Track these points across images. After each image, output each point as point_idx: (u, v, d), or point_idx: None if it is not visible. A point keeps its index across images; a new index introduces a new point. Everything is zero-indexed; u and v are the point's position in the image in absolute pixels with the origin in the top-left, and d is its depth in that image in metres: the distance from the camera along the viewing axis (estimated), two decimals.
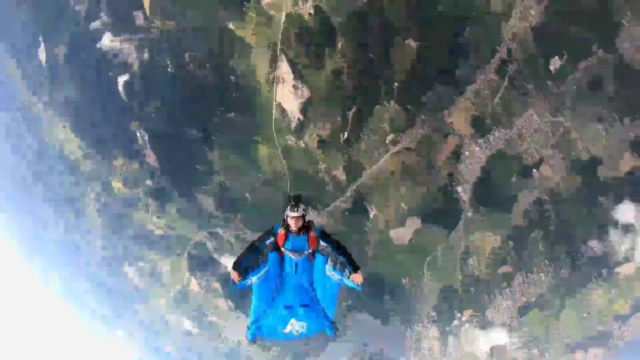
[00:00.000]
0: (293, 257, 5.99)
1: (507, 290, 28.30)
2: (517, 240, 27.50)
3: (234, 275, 5.86)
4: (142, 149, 28.47)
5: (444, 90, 24.16)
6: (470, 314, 29.20)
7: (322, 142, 23.56)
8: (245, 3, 22.81)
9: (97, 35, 27.37)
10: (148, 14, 25.30)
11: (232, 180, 27.28)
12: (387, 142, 24.94)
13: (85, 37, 27.46)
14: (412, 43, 23.34)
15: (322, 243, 6.08)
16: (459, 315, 29.03)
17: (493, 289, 28.37)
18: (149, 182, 28.75)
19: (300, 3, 22.74)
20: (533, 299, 28.18)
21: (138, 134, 28.22)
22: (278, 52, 23.46)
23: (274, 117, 25.00)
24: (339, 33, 22.90)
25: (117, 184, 30.45)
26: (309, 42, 22.71)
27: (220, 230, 28.32)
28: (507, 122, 25.16)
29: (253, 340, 6.06)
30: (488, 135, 25.06)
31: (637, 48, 22.95)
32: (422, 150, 25.03)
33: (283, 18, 22.92)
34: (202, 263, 29.72)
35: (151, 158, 28.46)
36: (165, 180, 28.77)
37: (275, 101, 24.82)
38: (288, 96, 24.61)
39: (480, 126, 24.89)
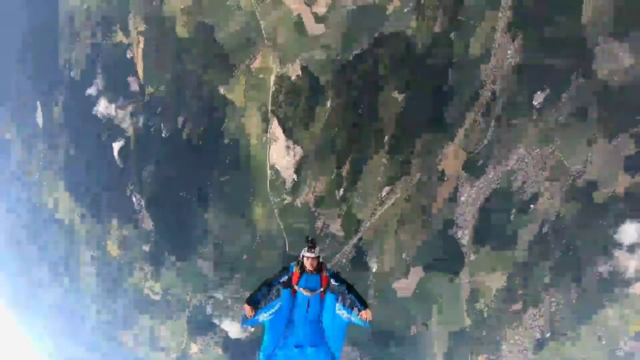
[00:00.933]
0: (306, 294, 6.20)
1: (520, 327, 27.42)
2: (522, 276, 27.05)
3: (247, 310, 6.00)
4: (137, 212, 28.38)
5: (434, 138, 24.65)
6: (483, 358, 28.17)
7: (318, 200, 23.57)
8: (234, 68, 23.58)
9: (93, 101, 28.08)
10: (142, 80, 26.11)
11: (228, 241, 27.05)
12: (382, 194, 25.04)
13: (81, 102, 28.17)
14: (398, 95, 24.05)
15: (333, 282, 6.34)
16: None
17: (505, 329, 27.54)
18: (144, 246, 28.40)
19: (288, 65, 23.57)
20: (547, 334, 27.23)
21: (134, 198, 28.23)
22: (269, 113, 23.99)
23: (268, 178, 25.18)
24: (327, 91, 23.59)
25: (112, 247, 30.06)
26: (298, 102, 23.33)
27: (218, 293, 27.70)
28: (499, 161, 25.44)
29: None
30: (482, 177, 25.23)
31: (613, 70, 23.61)
32: (418, 199, 25.12)
33: (272, 80, 23.67)
34: (202, 327, 28.82)
35: (146, 222, 28.31)
36: (161, 244, 28.47)
37: (269, 162, 25.09)
38: (281, 156, 24.94)
39: (473, 168, 25.17)
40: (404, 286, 26.43)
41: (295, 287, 6.28)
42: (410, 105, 24.13)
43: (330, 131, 24.17)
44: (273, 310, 6.11)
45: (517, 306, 27.41)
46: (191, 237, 27.65)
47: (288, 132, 24.33)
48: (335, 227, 25.54)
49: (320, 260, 6.36)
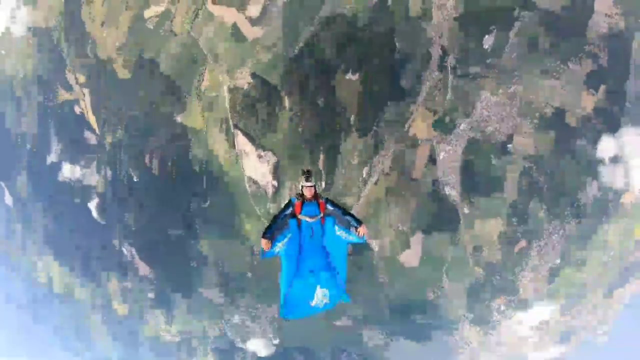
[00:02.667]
0: (309, 220, 7.01)
1: (529, 264, 27.98)
2: (518, 215, 27.53)
3: (264, 243, 6.72)
4: (132, 262, 27.85)
5: (397, 107, 24.76)
6: (504, 301, 28.72)
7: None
8: (185, 93, 23.21)
9: (56, 168, 27.33)
10: (97, 131, 25.51)
11: (227, 264, 26.80)
12: (363, 175, 25.08)
13: (45, 172, 27.39)
14: (352, 76, 24.04)
15: (329, 207, 7.18)
16: (494, 306, 28.48)
17: (516, 269, 28.09)
18: (149, 294, 27.91)
19: (237, 75, 23.30)
20: (557, 261, 27.81)
21: (124, 250, 27.69)
22: (231, 128, 23.73)
23: (249, 191, 24.96)
24: (282, 91, 23.44)
25: (118, 305, 29.45)
26: (256, 109, 23.13)
27: (234, 317, 27.45)
28: (466, 112, 25.73)
29: (285, 317, 7.03)
30: (454, 131, 25.48)
31: None
32: (398, 170, 25.22)
33: (225, 95, 23.39)
34: (228, 354, 28.58)
35: (143, 269, 27.83)
36: (163, 287, 28.04)
37: (245, 176, 24.86)
38: (255, 167, 24.74)
39: (443, 126, 25.44)
40: (410, 256, 26.54)
41: (299, 216, 7.08)
42: (366, 82, 24.18)
43: (296, 129, 24.03)
44: (285, 240, 6.87)
45: (521, 244, 27.87)
46: (190, 270, 27.30)
47: (255, 142, 24.11)
48: None
49: (316, 188, 7.22)
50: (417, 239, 26.50)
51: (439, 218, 26.31)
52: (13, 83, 26.91)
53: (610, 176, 27.15)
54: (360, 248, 26.92)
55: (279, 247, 6.90)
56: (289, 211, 7.18)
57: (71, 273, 30.41)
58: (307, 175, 7.19)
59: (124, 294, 29.10)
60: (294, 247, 7.04)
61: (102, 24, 23.78)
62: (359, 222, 7.03)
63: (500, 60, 25.42)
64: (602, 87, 25.48)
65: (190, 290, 27.79)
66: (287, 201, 7.32)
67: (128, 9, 23.11)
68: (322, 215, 7.14)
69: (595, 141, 26.71)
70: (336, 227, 7.09)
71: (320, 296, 6.89)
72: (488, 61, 25.79)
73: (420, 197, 25.80)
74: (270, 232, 6.92)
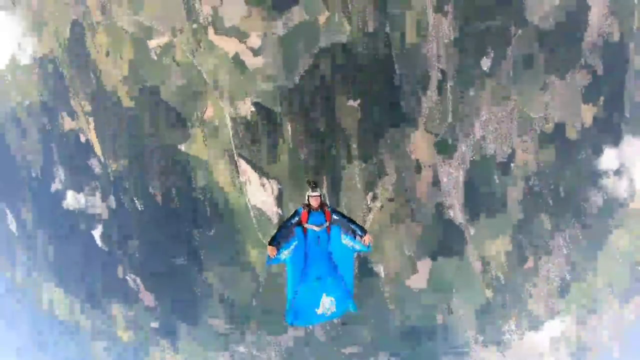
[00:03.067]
0: (315, 229, 7.14)
1: (539, 281, 27.69)
2: (525, 233, 27.40)
3: (270, 250, 6.74)
4: (136, 291, 27.68)
5: (398, 131, 24.95)
6: (515, 320, 28.35)
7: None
8: (188, 123, 23.47)
9: (60, 195, 27.46)
10: (102, 160, 25.70)
11: (233, 293, 26.62)
12: (367, 201, 25.11)
13: (49, 199, 27.50)
14: (352, 102, 24.33)
15: (335, 216, 7.33)
16: (505, 326, 28.09)
17: (526, 287, 27.78)
18: (153, 323, 27.62)
19: (239, 104, 23.59)
20: (567, 277, 27.48)
21: (128, 278, 27.56)
22: (235, 157, 23.89)
23: (253, 220, 24.97)
24: (284, 119, 23.70)
25: (123, 333, 29.12)
26: (259, 138, 23.35)
27: (240, 347, 27.10)
28: (467, 133, 25.87)
29: (291, 323, 7.08)
30: (455, 153, 25.58)
31: (544, 13, 24.77)
32: (402, 194, 25.27)
33: (228, 124, 23.63)
34: None
35: (147, 298, 27.63)
36: (168, 316, 27.76)
37: (250, 204, 24.91)
38: (259, 195, 24.81)
39: (445, 148, 25.55)
40: (417, 280, 26.36)
41: (306, 225, 7.26)
42: (367, 108, 24.43)
43: (299, 156, 24.20)
44: (291, 248, 6.91)
45: (530, 263, 27.85)
46: (195, 299, 27.08)
47: (259, 170, 24.22)
48: None
49: (322, 198, 7.44)
50: (424, 263, 26.37)
51: (445, 241, 26.21)
52: (18, 110, 27.30)
53: (615, 186, 27.16)
54: (366, 272, 26.73)
55: (285, 254, 6.95)
56: (295, 220, 7.35)
57: (74, 300, 30.17)
58: (314, 185, 7.48)
59: (127, 322, 28.79)
60: (300, 254, 7.13)
61: (107, 54, 24.23)
62: (364, 230, 7.19)
63: (498, 79, 25.66)
64: (601, 99, 25.38)
65: (195, 319, 27.51)
66: (294, 211, 7.55)
67: (132, 40, 23.53)
68: (328, 224, 7.32)
69: (597, 153, 26.71)
70: (342, 236, 7.25)
71: (326, 304, 6.98)
72: (486, 81, 26.01)
73: (425, 220, 25.79)
74: (277, 240, 7.02)
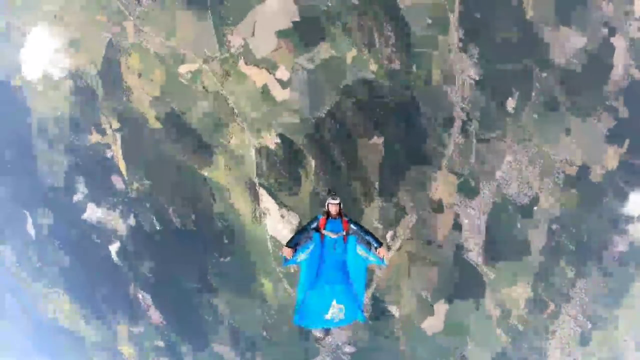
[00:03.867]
0: (332, 236, 7.38)
1: (559, 329, 26.59)
2: (545, 279, 26.59)
3: (287, 252, 7.13)
4: (145, 309, 27.58)
5: (421, 171, 24.75)
6: None
7: None
8: (212, 149, 23.77)
9: (80, 208, 27.89)
10: (125, 177, 26.10)
11: (242, 322, 26.29)
12: (387, 239, 24.80)
13: (69, 210, 27.95)
14: (376, 139, 24.36)
15: (352, 226, 7.56)
16: None
17: (545, 335, 26.72)
18: (157, 342, 27.36)
19: (264, 135, 23.85)
20: (588, 326, 26.32)
21: (140, 296, 27.54)
22: (257, 187, 23.99)
23: (270, 250, 24.86)
24: (306, 153, 23.81)
25: (127, 349, 28.90)
26: (281, 169, 23.45)
27: None
28: (490, 175, 25.50)
29: (298, 323, 7.18)
30: (477, 195, 25.19)
31: (566, 54, 24.66)
32: (421, 235, 24.89)
33: (252, 153, 23.84)
34: None
35: (156, 317, 27.48)
36: (175, 337, 27.50)
37: (268, 234, 24.85)
38: (278, 226, 24.75)
39: (467, 190, 25.20)
40: (433, 323, 25.62)
41: (323, 232, 7.51)
42: (389, 147, 24.43)
43: (319, 190, 24.16)
44: (308, 252, 7.22)
45: (550, 310, 27.02)
46: (203, 324, 26.81)
47: (279, 201, 24.22)
48: None
49: (341, 207, 7.66)
50: (440, 306, 25.71)
51: (463, 284, 25.58)
52: (46, 121, 28.14)
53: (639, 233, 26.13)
54: (380, 312, 26.14)
55: (301, 257, 7.27)
56: (314, 225, 7.65)
57: (81, 310, 30.18)
58: (334, 193, 7.90)
59: (132, 338, 28.59)
60: (315, 259, 7.35)
61: (139, 75, 24.93)
62: (380, 243, 7.54)
63: (522, 120, 25.43)
64: (626, 142, 25.08)
65: (202, 343, 27.18)
66: (314, 217, 7.81)
67: (163, 64, 24.22)
68: (344, 233, 7.55)
69: (621, 197, 25.98)
70: (358, 246, 7.49)
71: (335, 310, 7.10)
72: (510, 123, 25.79)
73: (443, 263, 25.28)
74: (294, 242, 7.38)
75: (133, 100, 25.79)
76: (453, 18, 24.73)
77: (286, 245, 7.29)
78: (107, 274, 27.80)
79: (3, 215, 33.51)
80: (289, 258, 7.20)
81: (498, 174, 25.30)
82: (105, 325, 29.24)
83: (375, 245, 7.46)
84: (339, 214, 7.69)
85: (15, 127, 30.23)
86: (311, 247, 7.39)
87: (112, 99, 26.59)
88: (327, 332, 24.52)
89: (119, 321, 28.72)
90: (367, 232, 7.66)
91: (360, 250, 7.45)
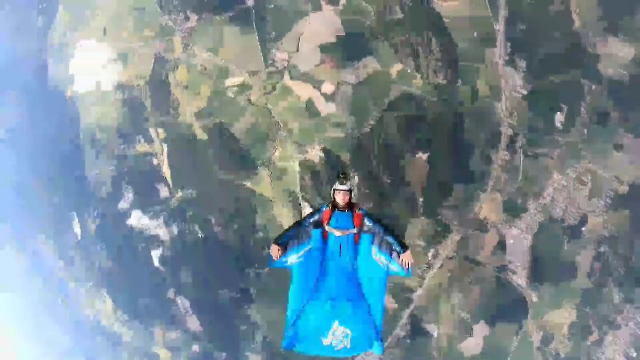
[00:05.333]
0: (338, 234, 5.49)
1: (603, 358, 25.08)
2: (591, 304, 25.16)
3: (274, 251, 5.37)
4: (183, 315, 28.16)
5: (467, 189, 24.17)
6: None
7: None
8: (256, 161, 24.16)
9: (126, 214, 28.95)
10: (171, 185, 26.92)
11: (277, 335, 26.30)
12: (429, 258, 24.28)
13: (115, 216, 29.06)
14: (421, 155, 23.98)
15: (367, 222, 5.63)
16: None
17: None
18: (195, 348, 27.84)
19: (308, 149, 24.02)
20: (634, 354, 24.79)
21: (179, 302, 28.17)
22: (300, 200, 24.13)
23: None
24: (351, 167, 23.76)
25: (163, 352, 29.55)
26: (325, 183, 23.48)
27: None
28: (537, 194, 24.57)
29: (288, 348, 5.32)
30: (524, 215, 24.27)
31: (619, 66, 23.50)
32: (465, 254, 24.22)
33: (296, 167, 24.04)
34: None
35: (193, 323, 28.00)
36: (211, 344, 27.90)
37: None
38: None
39: (513, 209, 24.36)
40: (471, 345, 24.74)
41: (327, 228, 5.57)
42: (434, 163, 24.02)
43: (363, 206, 23.95)
44: (302, 252, 5.49)
45: (594, 337, 25.52)
46: (239, 333, 27.05)
47: None
48: (388, 300, 24.59)
49: (353, 195, 5.72)
50: (479, 328, 24.84)
51: (505, 306, 24.64)
52: (97, 130, 29.47)
53: None
54: (417, 332, 25.51)
55: (293, 258, 5.52)
56: (315, 218, 5.79)
57: (121, 312, 31.13)
58: (343, 176, 5.79)
59: (169, 342, 29.23)
60: (313, 263, 5.60)
61: (186, 87, 25.78)
62: (405, 247, 5.52)
63: (571, 136, 24.40)
64: None
65: (237, 352, 27.42)
66: (317, 208, 5.92)
67: (210, 78, 24.95)
68: (356, 230, 5.65)
69: None
70: (374, 249, 5.59)
71: (338, 335, 5.30)
72: (558, 139, 24.82)
73: (485, 283, 24.43)
74: (286, 239, 5.62)
75: (180, 112, 26.70)
76: (499, 31, 24.18)
77: (275, 242, 5.56)
78: (149, 279, 28.64)
79: (52, 218, 35.39)
80: (276, 258, 5.51)
81: (545, 192, 24.28)
82: (144, 328, 30.05)
83: (399, 249, 5.52)
84: (350, 204, 5.72)
85: (67, 135, 32.00)
86: (308, 247, 5.57)
87: (160, 111, 27.64)
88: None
89: (157, 325, 29.45)
90: (388, 231, 5.67)
91: (378, 255, 5.53)
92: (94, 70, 30.09)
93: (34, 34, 32.62)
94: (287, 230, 5.69)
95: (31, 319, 39.59)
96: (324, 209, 5.72)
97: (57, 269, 34.44)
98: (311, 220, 5.74)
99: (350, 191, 5.73)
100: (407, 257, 5.45)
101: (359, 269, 5.60)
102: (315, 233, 5.62)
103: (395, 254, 5.51)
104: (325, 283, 5.48)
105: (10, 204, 37.24)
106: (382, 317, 5.48)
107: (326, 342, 5.29)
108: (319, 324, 5.29)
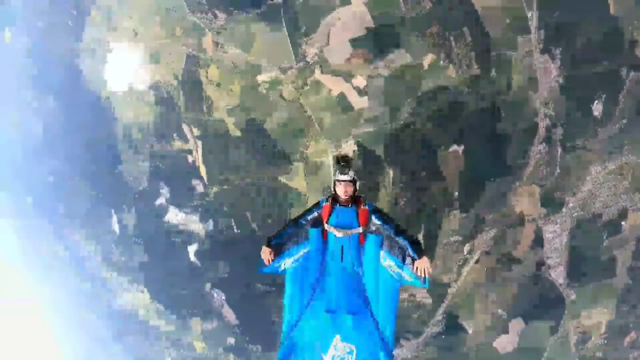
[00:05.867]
0: (338, 235, 4.78)
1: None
2: (630, 302, 24.38)
3: (265, 254, 4.81)
4: (218, 308, 28.95)
5: (503, 181, 23.73)
6: None
7: None
8: (290, 156, 24.46)
9: (163, 210, 29.91)
10: (206, 182, 27.64)
11: None
12: (464, 252, 24.05)
13: (151, 212, 30.09)
14: (457, 147, 23.67)
15: (375, 220, 4.89)
16: None
17: None
18: (230, 340, 28.60)
19: (342, 143, 24.12)
20: None
21: (215, 295, 28.95)
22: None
23: None
24: (385, 162, 23.72)
25: (198, 344, 30.52)
26: (359, 177, 23.40)
27: None
28: (575, 187, 23.88)
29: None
30: (562, 208, 23.68)
31: None
32: (501, 249, 23.84)
33: (330, 162, 24.20)
34: None
35: (229, 316, 28.73)
36: (245, 336, 28.59)
37: None
38: None
39: (550, 203, 23.76)
40: (505, 342, 24.44)
41: (326, 226, 4.87)
42: (469, 156, 23.67)
43: (397, 200, 23.95)
44: (298, 256, 4.92)
45: (632, 336, 25.25)
46: (274, 326, 27.58)
47: None
48: (422, 295, 24.54)
49: (357, 187, 4.71)
50: (514, 325, 24.51)
51: (541, 304, 24.16)
52: (132, 129, 30.41)
53: None
54: (452, 327, 25.33)
55: (287, 263, 5.02)
56: (313, 215, 5.14)
57: (157, 304, 32.26)
58: (344, 164, 4.92)
59: (204, 333, 30.13)
60: (311, 268, 5.00)
61: (218, 85, 26.28)
62: (420, 251, 4.62)
63: (609, 127, 23.52)
64: None
65: (271, 345, 27.98)
66: (316, 202, 5.09)
67: (241, 74, 25.34)
68: (361, 230, 4.91)
69: None
70: (382, 254, 4.83)
71: (340, 352, 4.65)
72: (597, 130, 24.00)
73: (522, 279, 24.01)
74: (279, 239, 5.04)
75: (213, 109, 27.26)
76: (532, 18, 23.48)
77: (266, 244, 5.00)
78: (184, 272, 29.52)
79: (91, 214, 36.95)
80: (267, 263, 5.00)
81: (584, 186, 23.53)
82: (179, 320, 31.07)
83: (412, 254, 4.70)
84: (353, 198, 5.04)
85: (104, 134, 33.21)
86: (305, 249, 5.02)
87: (193, 109, 28.29)
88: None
89: (193, 317, 30.40)
90: (400, 231, 4.84)
91: (387, 260, 4.82)
92: (127, 70, 30.98)
93: (66, 36, 33.93)
94: (281, 229, 5.06)
95: (71, 309, 41.61)
96: (324, 204, 5.06)
97: (95, 262, 35.91)
98: (309, 218, 5.13)
99: (354, 181, 5.00)
100: (423, 263, 4.65)
101: (364, 276, 4.89)
102: (313, 233, 4.99)
103: (409, 260, 4.74)
104: (324, 292, 4.89)
105: (49, 200, 39.11)
106: (392, 332, 4.75)
107: (326, 358, 4.67)
108: (317, 337, 4.73)
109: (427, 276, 4.38)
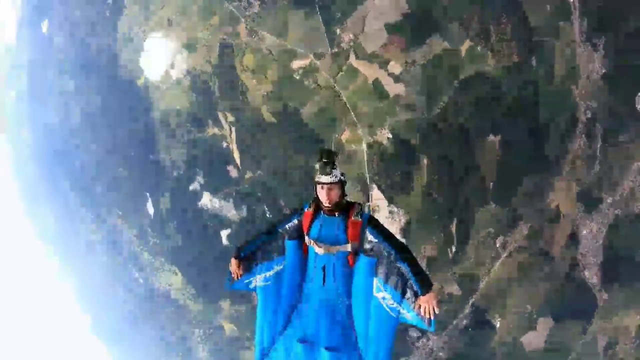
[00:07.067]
0: (319, 251, 3.60)
1: None
2: None
3: (234, 267, 3.88)
4: (250, 291, 29.71)
5: (540, 175, 23.15)
6: None
7: (431, 262, 22.93)
8: (324, 143, 24.67)
9: (197, 195, 30.91)
10: (240, 168, 28.27)
11: None
12: (497, 245, 23.73)
13: (186, 197, 31.11)
14: (493, 137, 23.26)
15: (370, 237, 3.56)
16: None
17: None
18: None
19: (377, 131, 24.12)
20: None
21: None
22: (367, 182, 24.41)
23: None
24: (420, 150, 23.60)
25: (227, 325, 31.53)
26: (393, 166, 23.52)
27: None
28: (615, 184, 23.02)
29: None
30: (600, 206, 22.91)
31: None
32: (535, 244, 23.36)
33: (364, 149, 24.29)
34: None
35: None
36: None
37: None
38: (386, 223, 24.92)
39: (588, 199, 23.02)
40: (533, 339, 24.04)
41: (306, 240, 3.73)
42: (506, 147, 23.18)
43: (431, 190, 23.82)
44: (270, 274, 3.86)
45: None
46: None
47: (389, 198, 24.39)
48: (452, 287, 24.44)
49: (344, 190, 3.58)
50: (544, 322, 24.01)
51: (573, 303, 23.57)
52: (168, 116, 31.37)
53: None
54: (480, 322, 25.13)
55: (258, 280, 3.94)
56: (292, 223, 3.92)
57: (189, 285, 33.47)
58: (326, 160, 3.59)
59: (233, 315, 31.05)
60: (286, 290, 3.89)
61: (253, 72, 26.71)
62: (428, 284, 3.30)
63: None
64: None
65: None
66: (295, 209, 4.06)
67: (276, 61, 25.63)
68: (349, 247, 3.60)
69: None
70: (375, 282, 3.52)
71: None
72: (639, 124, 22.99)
73: (554, 277, 23.49)
74: (249, 250, 3.94)
75: (248, 96, 27.75)
76: (574, 5, 22.56)
77: (235, 254, 3.93)
78: (217, 256, 30.46)
79: (128, 197, 38.60)
80: (236, 278, 4.01)
81: (624, 182, 22.65)
82: (211, 302, 32.16)
83: (417, 288, 3.36)
84: (341, 205, 3.67)
85: (141, 120, 34.45)
86: (279, 266, 3.88)
87: (228, 96, 28.91)
88: (422, 332, 24.25)
89: (223, 299, 31.39)
90: (402, 253, 3.49)
91: (382, 292, 3.50)
92: (163, 59, 31.88)
93: (104, 27, 35.18)
94: (254, 238, 4.00)
95: (107, 287, 43.77)
96: (305, 209, 3.92)
97: (132, 244, 37.55)
98: (287, 226, 3.97)
99: (341, 183, 3.65)
100: (428, 302, 3.28)
101: (354, 307, 3.69)
102: (290, 246, 3.88)
103: (410, 293, 3.43)
104: (300, 319, 3.84)
105: (89, 184, 41.06)
106: None
107: None
108: None
109: (432, 317, 3.23)
